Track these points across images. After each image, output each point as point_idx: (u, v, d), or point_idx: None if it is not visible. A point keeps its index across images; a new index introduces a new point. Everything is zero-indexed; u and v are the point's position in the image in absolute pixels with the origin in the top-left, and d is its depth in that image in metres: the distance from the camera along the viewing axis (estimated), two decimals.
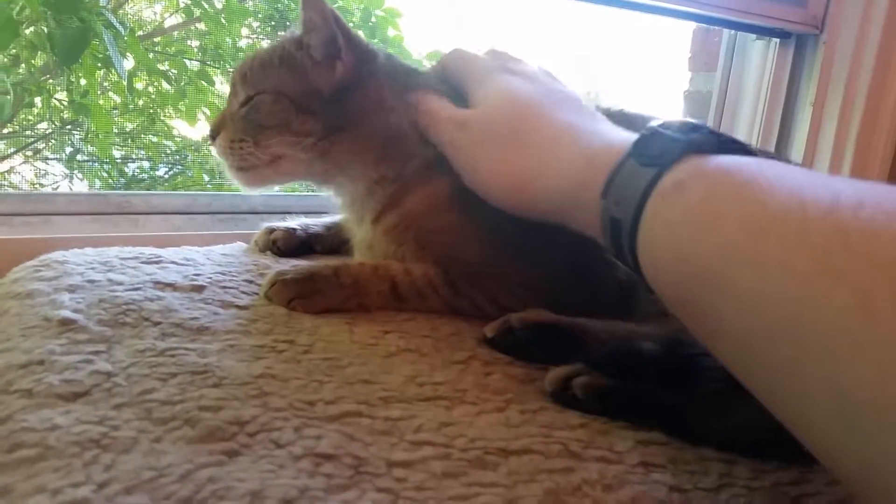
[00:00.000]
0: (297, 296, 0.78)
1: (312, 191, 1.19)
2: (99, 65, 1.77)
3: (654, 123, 0.55)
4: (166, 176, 2.72)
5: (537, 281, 0.82)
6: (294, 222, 1.03)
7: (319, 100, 0.86)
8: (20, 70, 1.84)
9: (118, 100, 2.28)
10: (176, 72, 2.04)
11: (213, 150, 0.91)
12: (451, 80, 0.86)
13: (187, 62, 2.06)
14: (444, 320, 0.79)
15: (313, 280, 0.80)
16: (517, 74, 0.78)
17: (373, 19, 2.15)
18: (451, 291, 0.82)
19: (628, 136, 0.58)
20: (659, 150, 0.52)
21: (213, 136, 0.90)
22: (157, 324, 0.68)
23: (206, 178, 2.44)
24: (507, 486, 0.48)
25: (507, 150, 0.71)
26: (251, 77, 0.89)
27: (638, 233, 0.52)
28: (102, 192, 1.49)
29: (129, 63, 1.85)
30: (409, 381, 0.62)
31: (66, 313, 0.67)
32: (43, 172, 2.42)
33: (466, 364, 0.68)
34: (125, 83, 1.87)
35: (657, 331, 0.72)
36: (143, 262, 0.85)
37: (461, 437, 0.53)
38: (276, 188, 1.01)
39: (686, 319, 0.50)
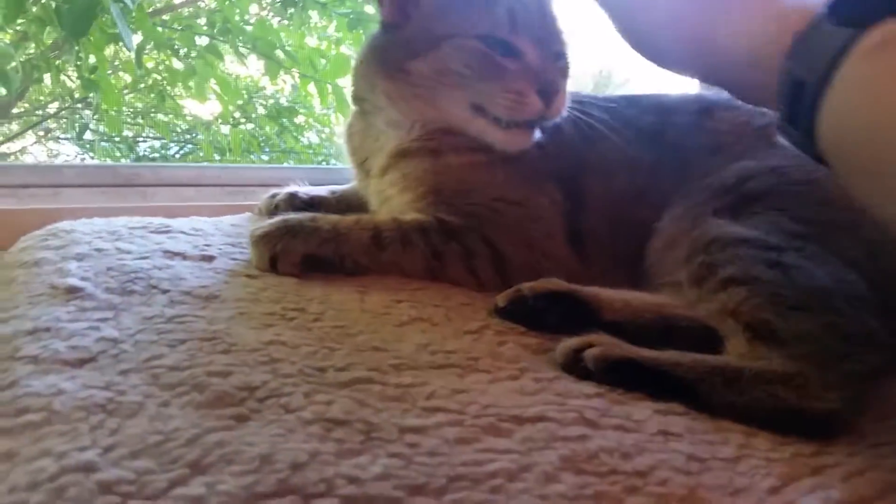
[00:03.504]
0: (274, 246, 0.76)
1: (320, 162, 1.18)
2: (108, 40, 1.76)
3: None
4: (178, 155, 2.73)
5: (535, 231, 0.83)
6: (295, 187, 1.02)
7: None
8: (29, 46, 1.84)
9: (129, 79, 2.27)
10: (185, 48, 2.03)
11: None
12: None
13: (196, 38, 2.05)
14: (456, 290, 0.77)
15: (287, 224, 0.78)
16: None
17: None
18: (442, 237, 0.80)
19: None
20: (859, 11, 0.51)
21: None
22: (165, 291, 0.67)
23: (217, 157, 2.44)
24: (521, 453, 0.47)
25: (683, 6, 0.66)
26: None
27: (823, 95, 0.51)
28: (111, 163, 1.49)
29: (137, 38, 1.84)
30: (421, 349, 0.61)
31: (74, 281, 0.66)
32: (55, 153, 2.43)
33: (479, 333, 0.66)
34: (133, 56, 1.85)
35: (674, 301, 0.70)
36: (151, 232, 0.84)
37: (474, 403, 0.52)
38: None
39: (859, 181, 0.51)
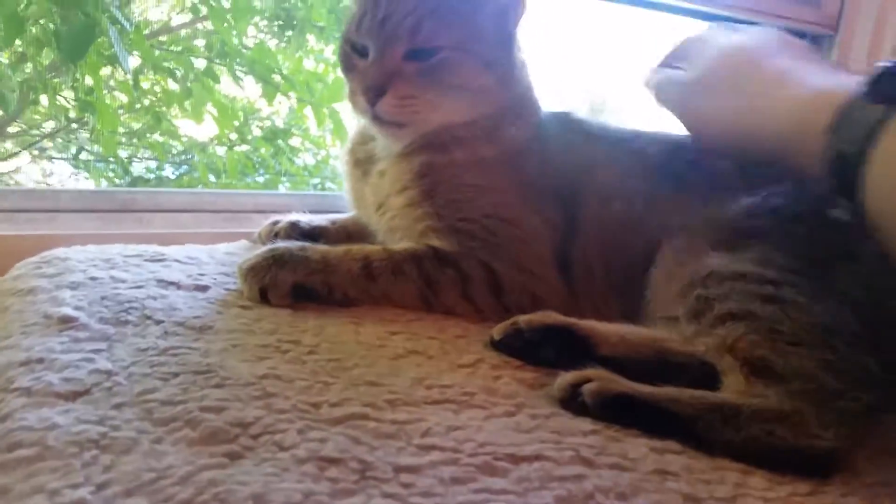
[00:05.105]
0: (262, 278, 0.75)
1: (316, 185, 1.17)
2: (104, 62, 1.76)
3: (882, 63, 0.61)
4: (173, 176, 2.72)
5: (525, 253, 0.83)
6: (297, 216, 1.01)
7: None
8: (27, 68, 1.84)
9: (124, 99, 2.27)
10: (182, 70, 2.03)
11: None
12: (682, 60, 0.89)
13: (193, 61, 2.05)
14: (452, 322, 0.77)
15: (275, 254, 0.76)
16: (738, 32, 0.84)
17: None
18: (436, 264, 0.79)
19: (855, 77, 0.63)
20: (891, 90, 0.58)
21: None
22: (159, 322, 0.67)
23: (213, 178, 2.43)
24: (517, 494, 0.47)
25: (726, 98, 0.78)
26: None
27: (865, 165, 0.58)
28: (107, 189, 1.48)
29: (135, 61, 1.84)
30: (417, 383, 0.61)
31: (67, 311, 0.66)
32: (49, 172, 2.42)
33: (474, 367, 0.66)
34: (130, 79, 1.85)
35: (671, 336, 0.70)
36: (146, 260, 0.83)
37: (470, 441, 0.52)
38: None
39: None
